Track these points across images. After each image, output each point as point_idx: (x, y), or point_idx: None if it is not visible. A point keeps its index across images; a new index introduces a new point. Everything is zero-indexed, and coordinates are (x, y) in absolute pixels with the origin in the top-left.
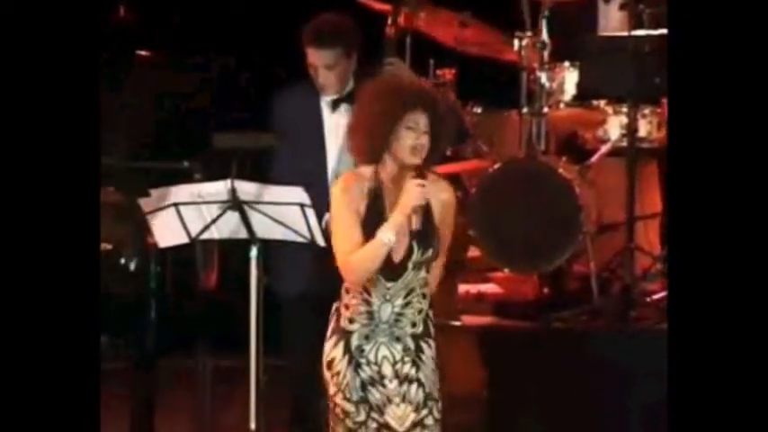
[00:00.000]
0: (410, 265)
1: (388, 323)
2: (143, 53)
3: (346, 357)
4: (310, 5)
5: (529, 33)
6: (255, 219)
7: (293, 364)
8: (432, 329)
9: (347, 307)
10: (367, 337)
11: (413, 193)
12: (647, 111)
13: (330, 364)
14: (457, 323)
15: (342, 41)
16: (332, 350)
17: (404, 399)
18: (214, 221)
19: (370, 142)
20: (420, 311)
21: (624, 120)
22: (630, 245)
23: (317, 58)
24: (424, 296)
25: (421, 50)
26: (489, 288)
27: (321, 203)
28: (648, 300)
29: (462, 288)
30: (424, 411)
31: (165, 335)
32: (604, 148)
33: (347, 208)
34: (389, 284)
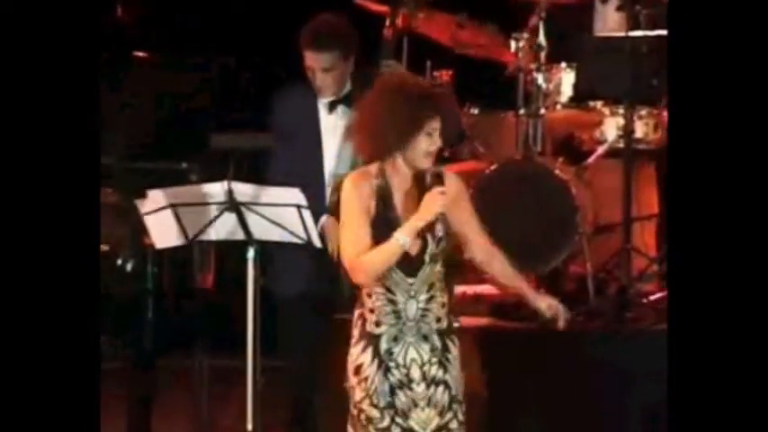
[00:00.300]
0: (427, 258)
1: (414, 320)
2: (141, 54)
3: (375, 362)
4: (308, 7)
5: (526, 35)
6: (252, 220)
7: (291, 364)
8: (454, 325)
9: (372, 311)
10: (395, 339)
11: (436, 201)
12: (643, 112)
13: (358, 370)
14: (455, 324)
15: (339, 44)
16: (360, 356)
17: (429, 402)
18: (211, 223)
19: (383, 142)
20: (443, 305)
21: (621, 121)
22: (627, 246)
23: (315, 60)
24: (442, 290)
25: (418, 52)
26: (486, 289)
27: (318, 205)
28: (645, 301)
29: (459, 289)
30: (449, 415)
31: (162, 335)
32: (601, 150)
33: (358, 207)
34: (410, 280)
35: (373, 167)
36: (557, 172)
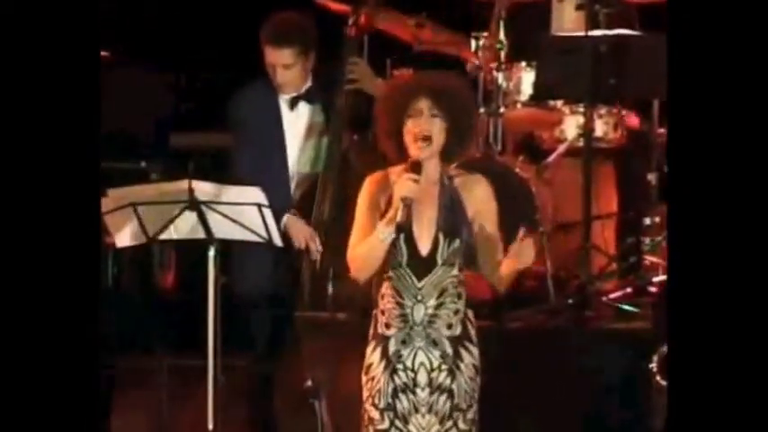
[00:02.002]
0: (439, 260)
1: (422, 325)
2: (102, 53)
3: (383, 363)
4: (268, 6)
5: (485, 34)
6: (213, 219)
7: (251, 363)
8: (472, 332)
9: (383, 312)
10: (404, 342)
11: (402, 185)
12: (603, 111)
13: (367, 370)
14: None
15: (299, 40)
16: (370, 356)
17: (430, 409)
18: (171, 221)
19: (388, 142)
20: (456, 312)
21: (581, 120)
22: (587, 244)
23: (276, 56)
24: (459, 296)
25: (378, 50)
26: None
27: (281, 203)
28: (604, 299)
29: None
30: (449, 423)
31: (122, 335)
32: (561, 148)
33: (367, 203)
34: (420, 284)
35: (399, 167)
36: (517, 171)
